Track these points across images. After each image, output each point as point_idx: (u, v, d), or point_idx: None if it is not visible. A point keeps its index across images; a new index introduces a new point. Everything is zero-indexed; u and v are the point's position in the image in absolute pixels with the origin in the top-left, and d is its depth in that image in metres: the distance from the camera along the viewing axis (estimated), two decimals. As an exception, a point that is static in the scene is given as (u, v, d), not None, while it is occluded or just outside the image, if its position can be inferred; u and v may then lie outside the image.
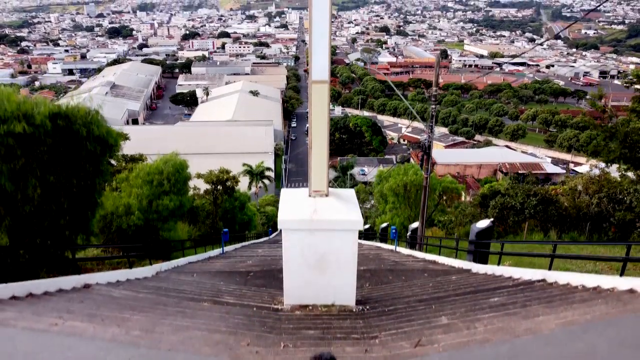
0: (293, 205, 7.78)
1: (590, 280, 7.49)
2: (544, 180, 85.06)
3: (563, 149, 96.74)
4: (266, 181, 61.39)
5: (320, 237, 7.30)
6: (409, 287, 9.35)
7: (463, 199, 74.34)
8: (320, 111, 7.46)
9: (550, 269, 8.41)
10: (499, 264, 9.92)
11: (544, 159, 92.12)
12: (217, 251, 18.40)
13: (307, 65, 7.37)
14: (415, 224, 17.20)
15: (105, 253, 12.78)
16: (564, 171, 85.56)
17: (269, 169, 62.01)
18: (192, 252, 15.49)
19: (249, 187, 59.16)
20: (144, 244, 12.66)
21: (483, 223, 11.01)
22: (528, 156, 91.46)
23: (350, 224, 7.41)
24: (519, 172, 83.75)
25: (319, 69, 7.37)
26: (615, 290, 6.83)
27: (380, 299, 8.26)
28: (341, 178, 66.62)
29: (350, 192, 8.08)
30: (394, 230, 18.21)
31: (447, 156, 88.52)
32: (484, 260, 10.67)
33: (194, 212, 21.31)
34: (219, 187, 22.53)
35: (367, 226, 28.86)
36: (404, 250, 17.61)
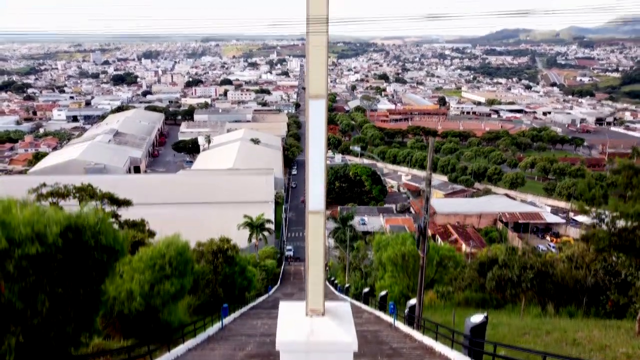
0: (290, 326, 8.08)
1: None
2: (544, 230, 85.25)
3: (562, 198, 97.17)
4: (266, 233, 61.52)
5: (316, 358, 7.59)
6: (405, 389, 9.54)
7: (463, 249, 74.23)
8: (316, 240, 7.88)
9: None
10: (493, 362, 10.13)
11: (544, 208, 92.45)
12: (217, 326, 18.51)
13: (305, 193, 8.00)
14: (413, 301, 17.37)
15: (108, 340, 12.97)
16: (564, 221, 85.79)
17: (269, 220, 62.26)
18: (192, 334, 15.60)
19: (249, 240, 59.26)
20: (145, 338, 12.87)
21: (477, 318, 11.25)
22: (528, 205, 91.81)
23: (345, 346, 7.70)
24: (519, 221, 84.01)
25: (315, 200, 7.81)
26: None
27: (376, 408, 8.45)
28: (341, 229, 66.73)
29: (347, 310, 8.43)
30: (392, 306, 18.41)
31: (447, 205, 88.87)
32: (478, 357, 10.87)
33: (194, 281, 21.46)
34: (219, 255, 22.80)
35: (366, 289, 28.89)
36: (403, 327, 17.73)
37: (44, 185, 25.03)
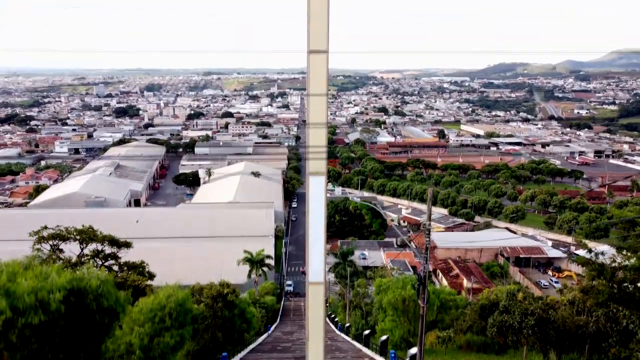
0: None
1: None
2: (545, 265, 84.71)
3: (563, 231, 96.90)
4: (266, 269, 61.18)
5: None
6: None
7: (464, 284, 73.52)
8: (316, 312, 7.93)
9: None
10: None
11: (545, 242, 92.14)
12: (216, 376, 18.35)
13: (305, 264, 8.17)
14: (414, 350, 17.26)
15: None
16: (565, 255, 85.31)
17: (268, 256, 61.97)
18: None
19: (249, 276, 58.94)
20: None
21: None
22: (529, 239, 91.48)
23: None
24: (520, 256, 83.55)
25: (315, 271, 7.89)
26: None
27: None
28: (341, 265, 66.29)
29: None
30: (393, 355, 18.28)
31: (448, 240, 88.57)
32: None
33: (193, 328, 21.31)
34: (219, 300, 22.69)
35: (367, 331, 28.59)
36: (404, 376, 17.56)
37: (45, 227, 25.15)
